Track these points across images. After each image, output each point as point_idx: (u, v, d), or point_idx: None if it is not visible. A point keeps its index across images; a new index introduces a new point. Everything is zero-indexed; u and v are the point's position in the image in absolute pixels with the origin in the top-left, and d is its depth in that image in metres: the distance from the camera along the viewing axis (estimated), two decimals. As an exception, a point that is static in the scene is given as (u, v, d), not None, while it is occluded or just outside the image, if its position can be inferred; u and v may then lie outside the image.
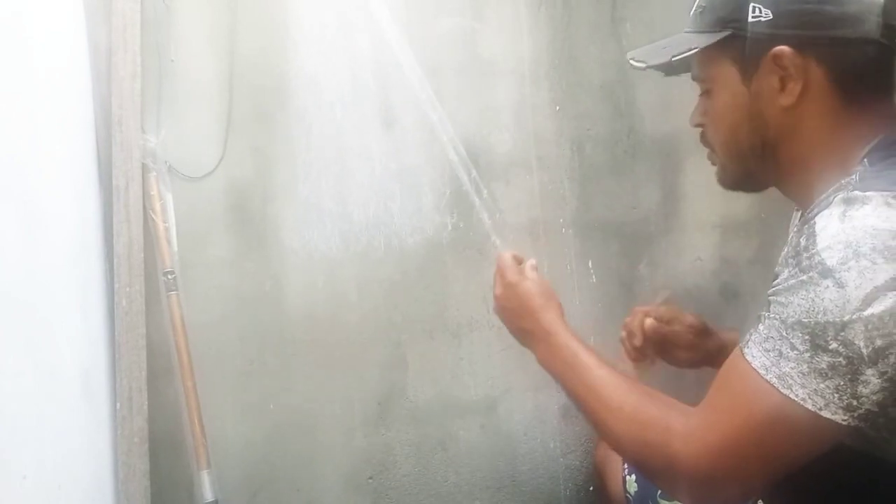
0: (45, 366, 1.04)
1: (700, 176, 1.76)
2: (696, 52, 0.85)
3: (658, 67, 0.92)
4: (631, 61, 0.94)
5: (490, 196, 1.22)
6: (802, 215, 0.89)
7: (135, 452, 1.36)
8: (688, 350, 1.21)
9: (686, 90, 1.70)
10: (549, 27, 1.66)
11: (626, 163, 1.72)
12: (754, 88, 0.83)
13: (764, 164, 0.87)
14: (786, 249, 0.78)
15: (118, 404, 1.36)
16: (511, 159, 1.65)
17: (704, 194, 1.76)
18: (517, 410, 1.71)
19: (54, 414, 1.06)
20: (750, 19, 0.80)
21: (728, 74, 0.85)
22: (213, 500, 1.45)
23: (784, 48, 0.79)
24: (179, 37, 1.46)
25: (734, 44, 0.83)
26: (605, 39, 1.69)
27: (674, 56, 0.87)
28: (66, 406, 1.13)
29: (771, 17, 0.79)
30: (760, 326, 0.75)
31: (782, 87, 0.81)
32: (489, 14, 1.62)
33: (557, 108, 1.67)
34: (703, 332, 1.21)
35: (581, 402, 0.91)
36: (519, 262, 1.09)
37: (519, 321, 1.05)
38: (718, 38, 0.83)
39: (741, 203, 1.77)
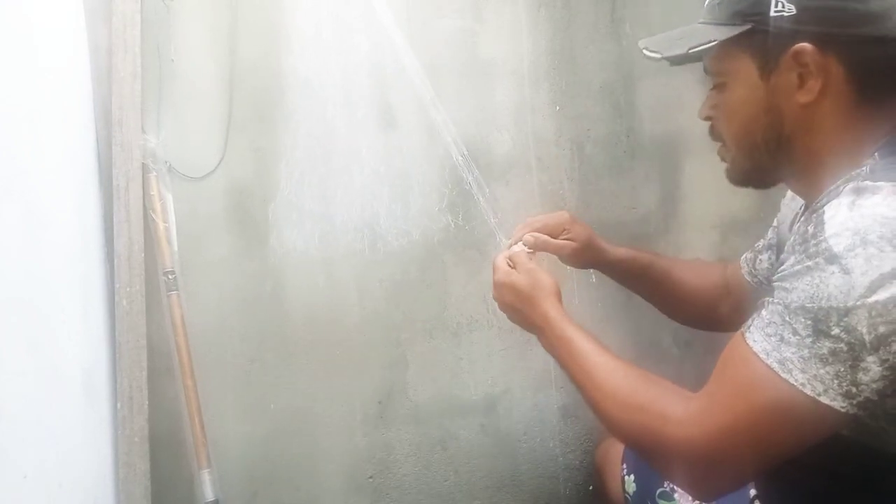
0: (46, 365, 1.04)
1: (699, 176, 1.76)
2: (713, 45, 0.83)
3: (672, 58, 0.90)
4: (644, 51, 0.91)
5: (493, 196, 1.23)
6: (807, 207, 0.90)
7: (135, 452, 1.36)
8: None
9: (685, 90, 1.71)
10: (548, 28, 1.66)
11: (625, 163, 1.73)
12: (772, 84, 0.82)
13: (776, 159, 0.86)
14: (791, 238, 0.79)
15: (119, 404, 1.36)
16: (511, 160, 1.66)
17: (703, 194, 1.76)
18: (517, 410, 1.71)
19: (55, 413, 1.06)
20: (772, 13, 0.79)
21: (745, 68, 0.84)
22: (213, 499, 1.45)
23: (806, 45, 0.78)
24: (180, 37, 1.46)
25: (754, 38, 0.82)
26: (605, 40, 1.69)
27: (691, 48, 0.85)
28: (66, 405, 1.13)
29: (794, 12, 0.78)
30: (763, 311, 0.75)
31: (801, 84, 0.80)
32: (489, 15, 1.62)
33: (557, 108, 1.67)
34: (587, 248, 1.24)
35: (580, 388, 0.92)
36: (514, 262, 1.10)
37: (518, 317, 1.07)
38: (738, 32, 0.82)
39: (740, 203, 1.77)
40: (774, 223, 1.15)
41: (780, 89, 0.82)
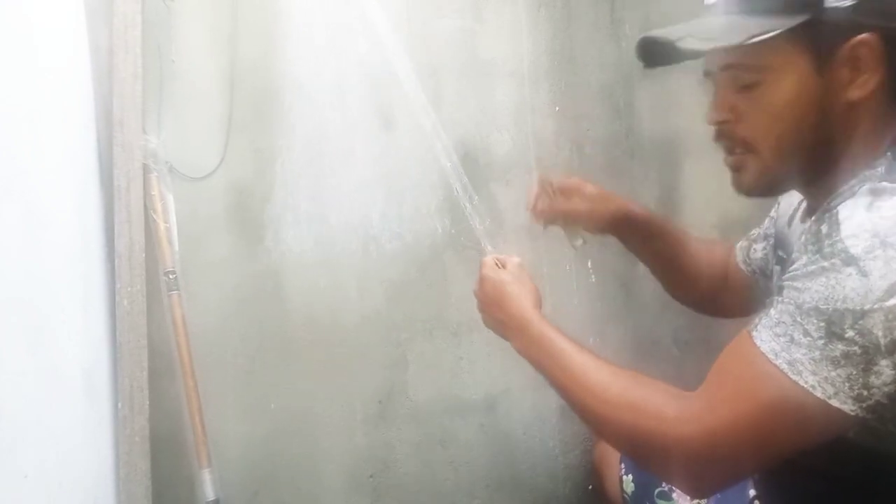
0: (47, 365, 1.05)
1: (698, 176, 1.76)
2: (746, 40, 0.75)
3: (687, 53, 0.81)
4: (678, 44, 0.80)
5: (481, 202, 1.23)
6: (811, 206, 0.89)
7: (136, 451, 1.36)
8: (589, 217, 1.19)
9: (684, 91, 1.71)
10: (548, 28, 1.66)
11: (624, 163, 1.73)
12: (826, 80, 0.77)
13: (813, 162, 0.81)
14: (802, 237, 0.77)
15: (119, 403, 1.36)
16: (510, 160, 1.66)
17: (703, 194, 1.76)
18: (516, 409, 1.71)
19: (56, 413, 1.07)
20: (829, 4, 0.73)
21: (797, 64, 0.77)
22: (214, 498, 1.45)
23: (869, 37, 0.74)
24: (180, 38, 1.47)
25: (808, 30, 0.75)
26: (605, 40, 1.70)
27: (752, 37, 0.75)
28: (67, 405, 1.13)
29: (854, 1, 0.73)
30: (772, 311, 0.74)
31: (854, 79, 0.76)
32: (489, 15, 1.63)
33: (557, 108, 1.68)
34: (601, 198, 1.18)
35: (564, 390, 0.89)
36: (503, 264, 1.08)
37: (496, 313, 1.03)
38: (798, 22, 0.74)
39: (739, 203, 1.75)
40: (772, 213, 1.13)
41: (833, 85, 0.77)
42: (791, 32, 0.74)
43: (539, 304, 1.00)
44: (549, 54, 1.67)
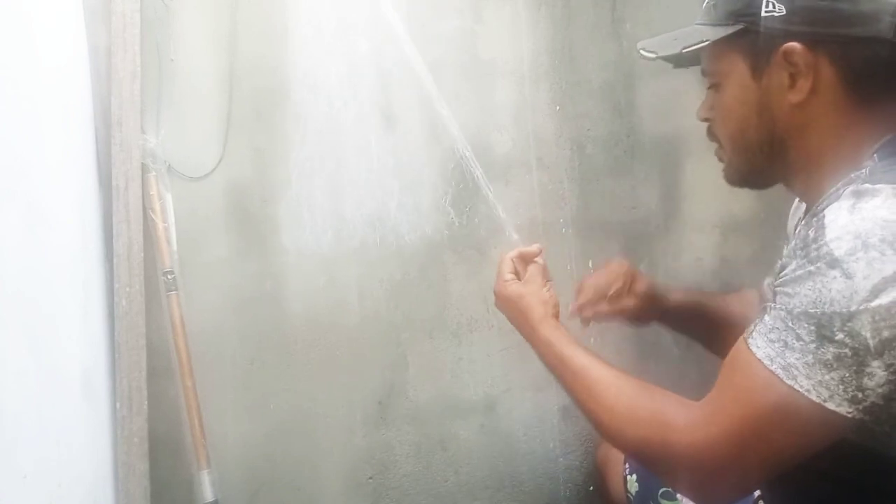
0: (46, 365, 1.04)
1: (699, 176, 1.76)
2: (707, 45, 0.84)
3: (668, 58, 0.91)
4: (641, 51, 0.93)
5: (482, 200, 1.23)
6: (808, 210, 0.90)
7: (134, 452, 1.36)
8: (636, 318, 1.22)
9: (685, 90, 1.71)
10: (548, 28, 1.66)
11: (625, 163, 1.73)
12: (764, 84, 0.83)
13: (772, 159, 0.86)
14: (792, 242, 0.78)
15: (118, 404, 1.36)
16: (511, 160, 1.66)
17: (704, 194, 1.76)
18: (517, 410, 1.71)
19: (55, 413, 1.06)
20: (763, 14, 0.79)
21: (738, 69, 0.85)
22: (212, 499, 1.45)
23: (795, 44, 0.78)
24: (179, 37, 1.46)
25: (746, 38, 0.82)
26: (605, 40, 1.70)
27: (684, 48, 0.86)
28: (66, 405, 1.13)
29: (784, 12, 0.78)
30: (766, 317, 0.74)
31: (792, 84, 0.80)
32: (489, 15, 1.63)
33: (557, 108, 1.67)
34: (649, 299, 1.20)
35: (578, 401, 0.91)
36: (527, 259, 1.10)
37: (513, 321, 1.07)
38: (730, 32, 0.83)
39: (741, 203, 1.77)
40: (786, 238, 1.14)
41: (771, 89, 0.82)
42: (732, 41, 0.83)
43: (554, 310, 1.03)
44: (549, 53, 1.66)
